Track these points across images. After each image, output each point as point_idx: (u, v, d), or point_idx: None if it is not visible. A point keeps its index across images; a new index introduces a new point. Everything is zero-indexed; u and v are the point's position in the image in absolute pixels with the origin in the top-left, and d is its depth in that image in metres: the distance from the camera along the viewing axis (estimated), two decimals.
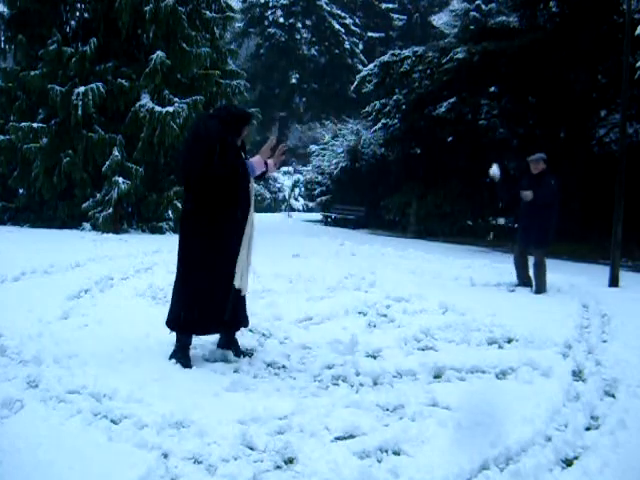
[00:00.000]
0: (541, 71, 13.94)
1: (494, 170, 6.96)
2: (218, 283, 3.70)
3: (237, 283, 3.74)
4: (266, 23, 32.91)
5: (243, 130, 3.82)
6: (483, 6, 23.87)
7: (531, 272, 7.09)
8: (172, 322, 3.81)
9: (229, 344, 4.01)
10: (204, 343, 4.08)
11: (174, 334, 3.83)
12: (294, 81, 31.73)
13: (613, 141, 15.22)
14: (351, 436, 2.83)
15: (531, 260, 7.10)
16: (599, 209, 12.37)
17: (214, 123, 3.68)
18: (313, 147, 22.29)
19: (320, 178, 20.84)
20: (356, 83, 18.46)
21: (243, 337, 4.34)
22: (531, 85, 14.75)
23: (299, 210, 24.74)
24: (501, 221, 16.74)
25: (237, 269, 3.73)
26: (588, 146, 15.33)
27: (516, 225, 7.53)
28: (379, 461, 2.62)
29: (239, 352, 3.97)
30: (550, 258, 7.09)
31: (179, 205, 12.69)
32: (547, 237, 6.96)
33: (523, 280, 7.18)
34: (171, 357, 3.76)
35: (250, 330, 4.53)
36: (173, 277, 6.55)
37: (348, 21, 32.48)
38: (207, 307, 3.72)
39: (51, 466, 2.39)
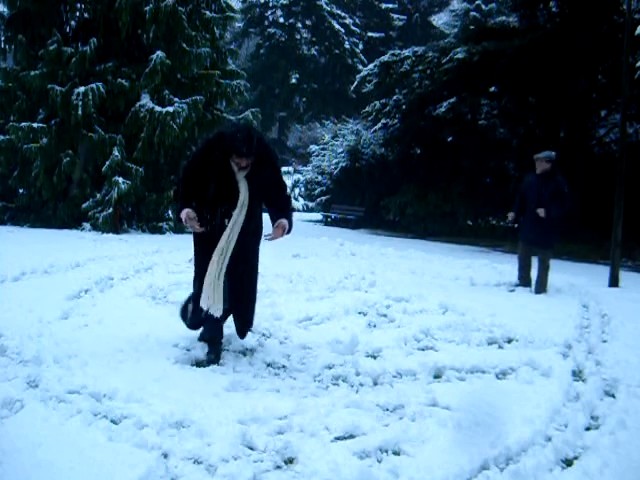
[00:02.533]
0: (541, 71, 13.95)
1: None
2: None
3: (204, 304, 3.63)
4: (266, 23, 32.95)
5: (233, 155, 3.63)
6: (483, 6, 23.94)
7: (533, 272, 7.08)
8: (189, 321, 3.87)
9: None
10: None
11: (175, 334, 3.83)
12: (294, 81, 31.74)
13: (613, 141, 15.24)
14: (351, 436, 2.83)
15: (534, 260, 7.08)
16: (599, 209, 12.38)
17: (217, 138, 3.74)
18: (313, 147, 22.29)
19: (320, 178, 20.84)
20: (356, 83, 18.48)
21: None
22: (531, 85, 14.76)
23: (299, 210, 24.73)
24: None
25: (205, 287, 3.63)
26: (588, 146, 15.35)
27: (516, 225, 7.49)
28: (379, 461, 2.62)
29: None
30: (551, 258, 7.08)
31: None
32: (554, 238, 6.95)
33: (524, 280, 7.17)
34: (207, 357, 3.77)
35: (250, 330, 4.52)
36: (173, 277, 6.61)
37: (348, 21, 32.50)
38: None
39: (51, 466, 2.39)
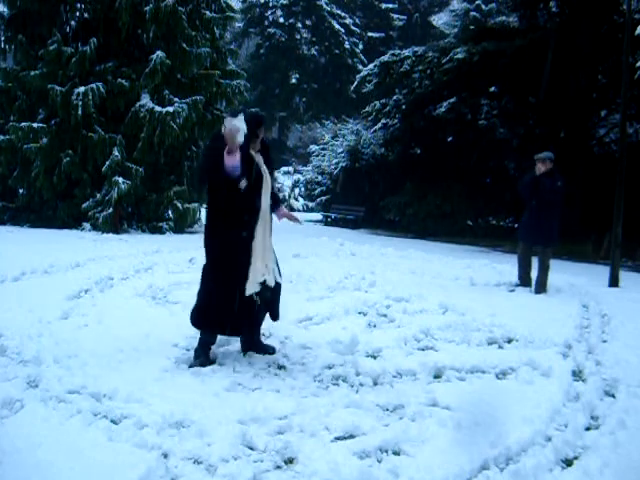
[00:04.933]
0: (541, 71, 13.95)
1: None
2: (228, 286, 3.70)
3: (248, 289, 3.71)
4: (266, 23, 32.95)
5: (258, 132, 3.78)
6: (483, 6, 23.95)
7: (533, 272, 7.09)
8: (191, 318, 3.84)
9: (250, 346, 3.99)
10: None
11: (175, 334, 3.83)
12: (294, 81, 31.73)
13: (613, 141, 15.23)
14: (351, 436, 2.83)
15: (534, 260, 7.09)
16: (599, 209, 12.36)
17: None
18: (313, 147, 22.29)
19: (320, 178, 20.84)
20: (356, 83, 18.46)
21: None
22: (531, 85, 14.75)
23: (299, 210, 24.72)
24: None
25: (250, 274, 3.73)
26: (588, 146, 15.34)
27: (516, 225, 7.51)
28: (379, 461, 2.62)
29: (261, 351, 3.98)
30: (551, 258, 7.09)
31: (179, 205, 12.72)
32: (554, 236, 6.97)
33: (524, 280, 7.18)
34: (194, 358, 3.74)
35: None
36: (173, 277, 6.61)
37: (348, 21, 32.51)
38: (222, 308, 3.71)
39: (51, 466, 2.39)
